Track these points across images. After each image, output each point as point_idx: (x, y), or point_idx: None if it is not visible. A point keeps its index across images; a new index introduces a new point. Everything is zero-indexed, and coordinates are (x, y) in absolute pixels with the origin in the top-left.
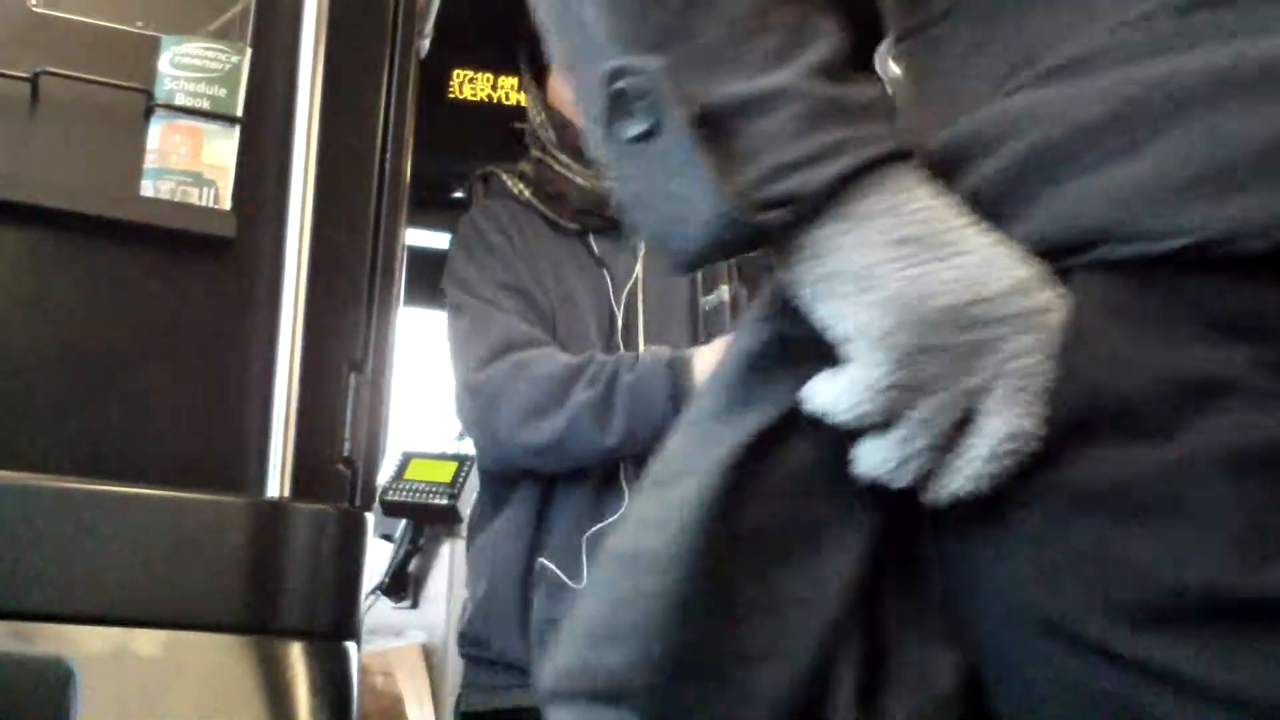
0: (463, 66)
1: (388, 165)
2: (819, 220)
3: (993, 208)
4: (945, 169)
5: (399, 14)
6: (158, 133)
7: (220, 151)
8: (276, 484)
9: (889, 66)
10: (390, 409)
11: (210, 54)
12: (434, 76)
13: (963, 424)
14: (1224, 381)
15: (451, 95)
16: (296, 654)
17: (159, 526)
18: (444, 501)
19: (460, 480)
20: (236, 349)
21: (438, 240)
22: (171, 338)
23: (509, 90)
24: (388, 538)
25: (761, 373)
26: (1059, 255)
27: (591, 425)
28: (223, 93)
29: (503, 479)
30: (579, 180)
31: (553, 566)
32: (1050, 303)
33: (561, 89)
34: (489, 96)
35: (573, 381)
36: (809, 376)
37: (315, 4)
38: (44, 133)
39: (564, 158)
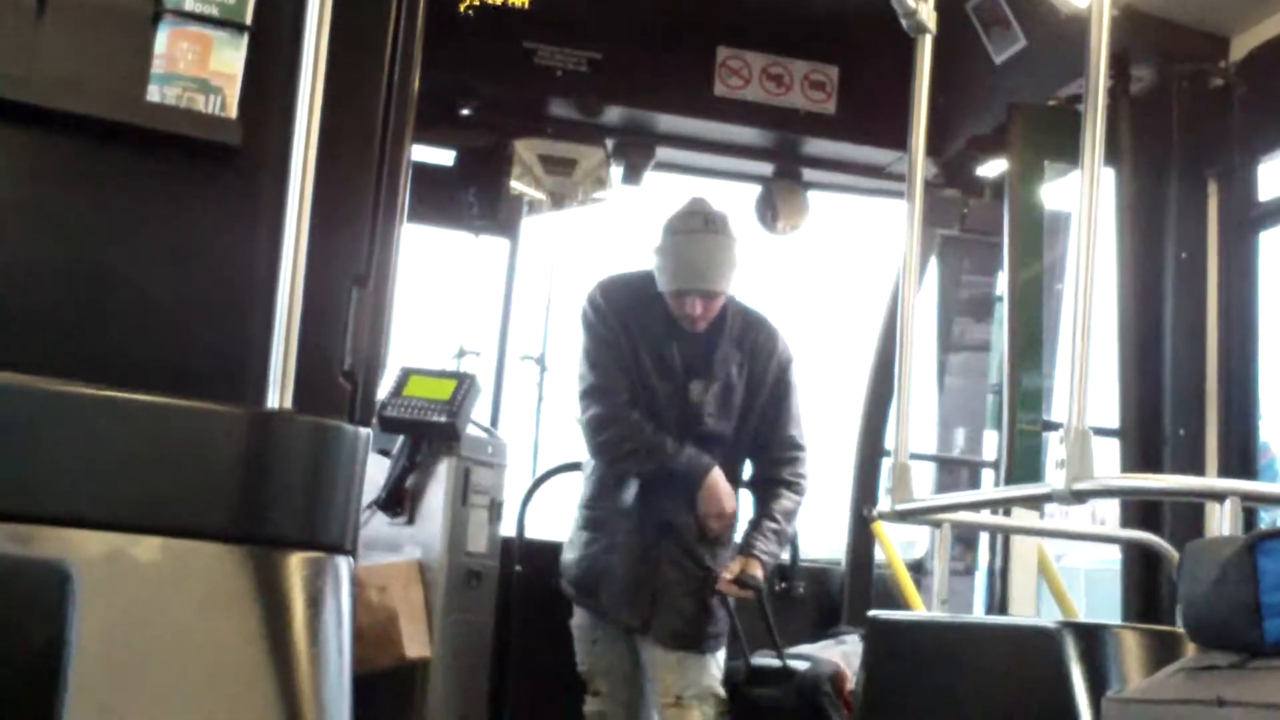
0: None
1: (396, 79)
2: None
3: None
4: None
5: None
6: (165, 38)
7: (228, 59)
8: (276, 396)
9: None
10: (391, 325)
11: None
12: None
13: None
14: None
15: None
16: (293, 565)
17: (159, 434)
18: (442, 419)
19: (459, 398)
20: (239, 259)
21: (443, 156)
22: (174, 245)
23: None
24: (385, 453)
25: None
26: None
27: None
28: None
29: None
30: None
31: None
32: None
33: None
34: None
35: None
36: None
37: None
38: (51, 35)
39: None
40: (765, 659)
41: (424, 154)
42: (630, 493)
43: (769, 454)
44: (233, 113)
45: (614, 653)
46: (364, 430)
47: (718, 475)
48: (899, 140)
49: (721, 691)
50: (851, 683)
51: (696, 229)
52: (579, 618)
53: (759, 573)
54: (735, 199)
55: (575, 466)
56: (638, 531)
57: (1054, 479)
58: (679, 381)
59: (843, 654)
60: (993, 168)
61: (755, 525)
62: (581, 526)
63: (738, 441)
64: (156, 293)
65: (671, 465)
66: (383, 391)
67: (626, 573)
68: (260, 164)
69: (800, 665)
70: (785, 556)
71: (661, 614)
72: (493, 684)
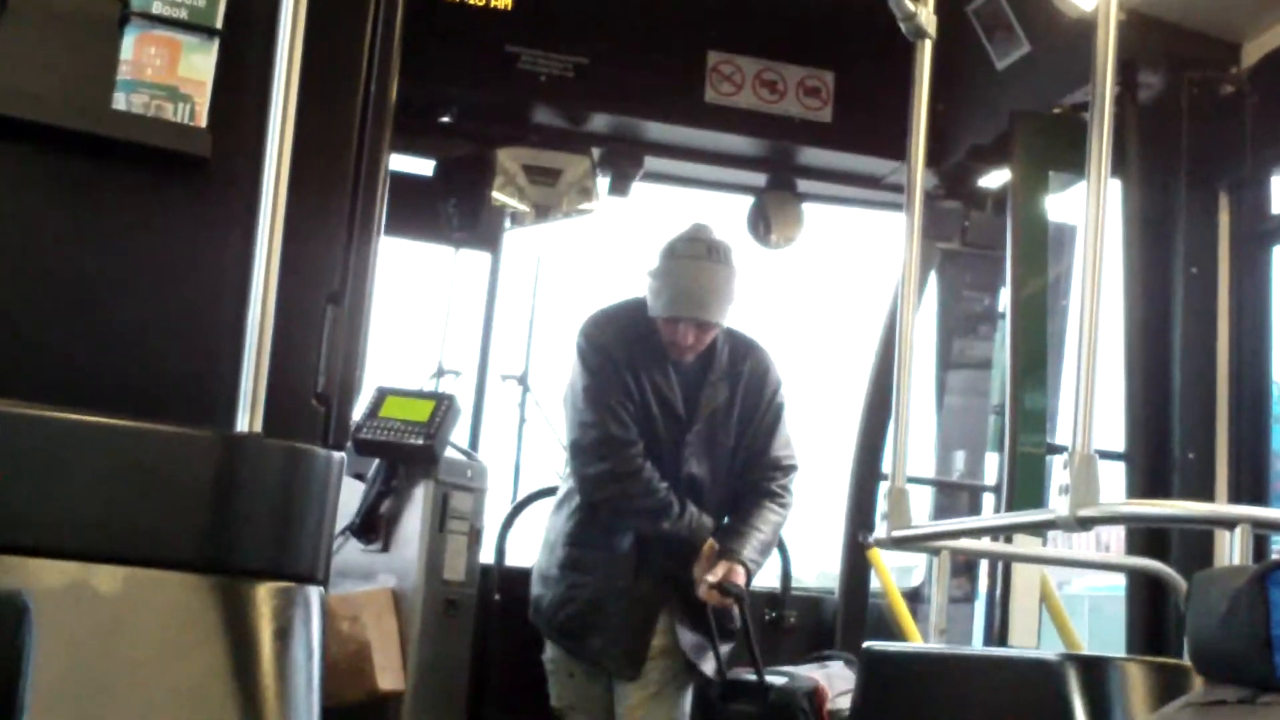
0: None
1: (373, 85)
2: None
3: None
4: None
5: None
6: (132, 43)
7: (198, 65)
8: (247, 418)
9: None
10: (367, 343)
11: None
12: None
13: None
14: None
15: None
16: (261, 596)
17: (123, 458)
18: (420, 441)
19: (437, 420)
20: (209, 275)
21: (421, 166)
22: (141, 260)
23: None
24: (360, 477)
25: None
26: None
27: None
28: (202, 2)
29: None
30: None
31: None
32: None
33: None
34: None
35: None
36: None
37: None
38: (12, 40)
39: None
40: (742, 674)
41: (402, 164)
42: (626, 539)
43: (755, 474)
44: (202, 121)
45: (593, 687)
46: (337, 454)
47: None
48: (897, 149)
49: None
50: (831, 701)
51: (699, 255)
52: (552, 651)
53: (742, 580)
54: (727, 211)
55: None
56: (635, 579)
57: (1058, 505)
58: (681, 421)
59: (825, 675)
60: (995, 178)
61: (739, 531)
62: (563, 564)
63: (717, 483)
64: (121, 310)
65: (674, 529)
66: (357, 413)
67: (624, 624)
68: (231, 175)
69: (778, 680)
70: (767, 569)
71: (655, 668)
72: (470, 718)
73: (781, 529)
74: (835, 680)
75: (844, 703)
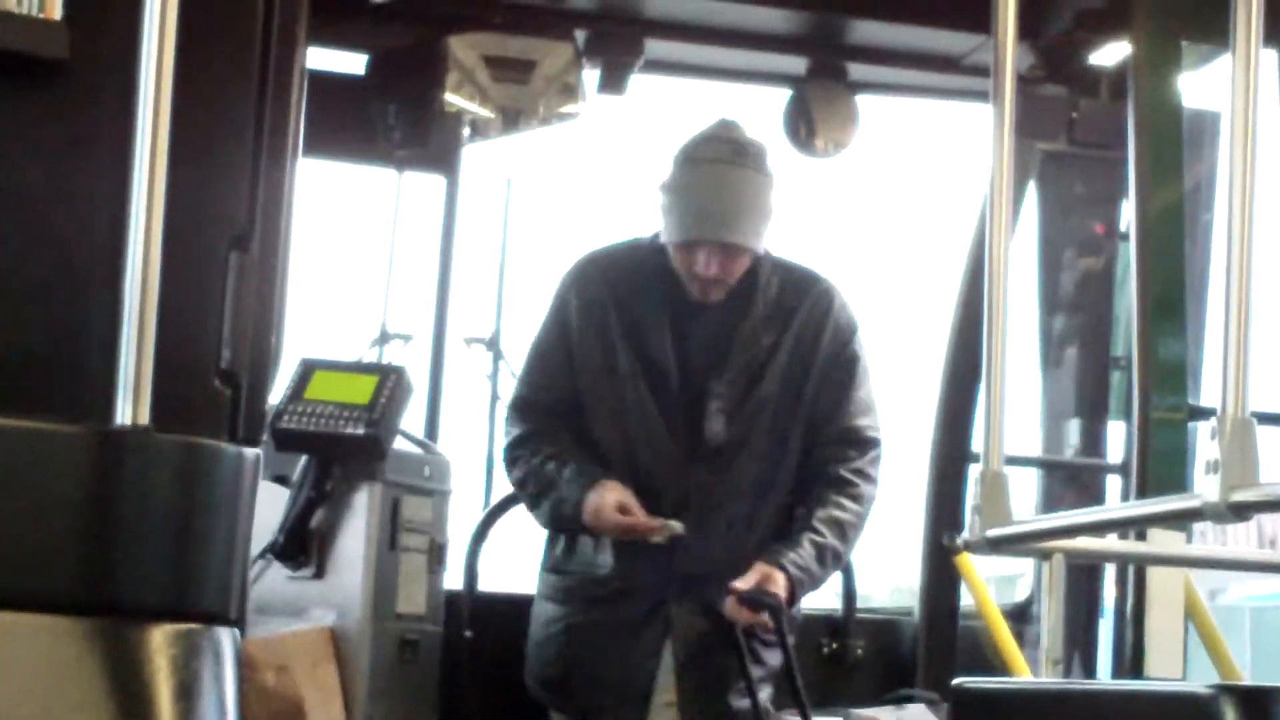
0: None
1: None
2: None
3: None
4: None
5: None
6: None
7: None
8: (129, 407)
9: None
10: (287, 301)
11: None
12: None
13: None
14: None
15: None
16: (156, 642)
17: None
18: (360, 430)
19: (383, 400)
20: (70, 216)
21: (350, 62)
22: None
23: None
24: (282, 480)
25: None
26: None
27: None
28: None
29: None
30: None
31: None
32: None
33: None
34: None
35: None
36: None
37: None
38: None
39: None
40: None
41: (324, 59)
42: (605, 553)
43: (822, 451)
44: (56, 13)
45: None
46: (250, 450)
47: (609, 491)
48: (980, 19)
49: None
50: None
51: (722, 159)
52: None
53: (780, 589)
54: (756, 110)
55: None
56: (618, 604)
57: (1205, 487)
58: (681, 386)
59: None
60: (1110, 54)
61: (789, 532)
62: (547, 598)
63: (766, 465)
64: None
65: (563, 499)
66: (276, 395)
67: (614, 661)
68: (96, 83)
69: None
70: (826, 587)
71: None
72: None
73: (858, 531)
74: None
75: None
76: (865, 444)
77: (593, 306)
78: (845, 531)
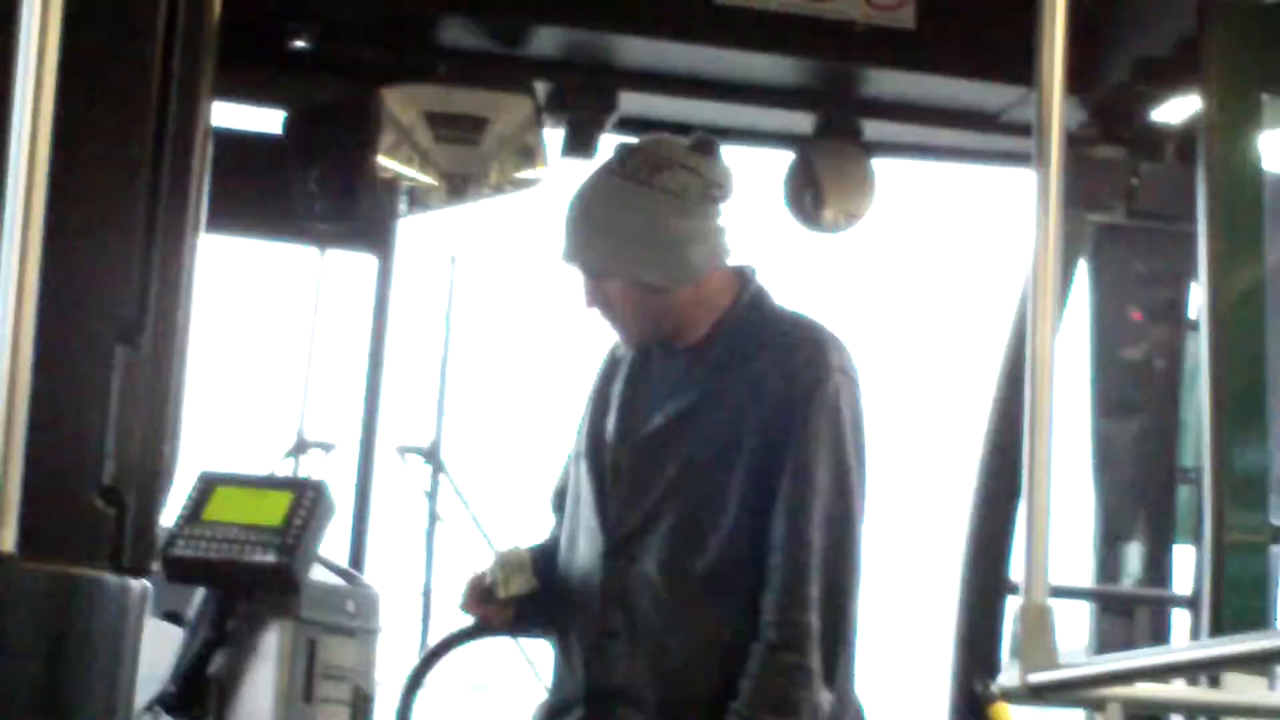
0: None
1: None
2: None
3: None
4: None
5: None
6: None
7: None
8: None
9: None
10: (184, 403)
11: None
12: None
13: None
14: None
15: None
16: None
17: None
18: (270, 558)
19: (298, 522)
20: None
21: (265, 119)
22: None
23: None
24: (175, 617)
25: None
26: None
27: None
28: None
29: None
30: None
31: None
32: None
33: None
34: None
35: None
36: None
37: None
38: None
39: None
40: None
41: (234, 116)
42: (575, 656)
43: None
44: None
45: None
46: (137, 582)
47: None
48: (1020, 69)
49: None
50: None
51: (601, 170)
52: None
53: None
54: (753, 174)
55: (486, 631)
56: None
57: None
58: (613, 464)
59: None
60: (1176, 110)
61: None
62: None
63: (691, 541)
64: None
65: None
66: (170, 515)
67: None
68: None
69: None
70: None
71: None
72: None
73: (803, 705)
74: None
75: None
76: (802, 572)
77: (597, 376)
78: (787, 712)
